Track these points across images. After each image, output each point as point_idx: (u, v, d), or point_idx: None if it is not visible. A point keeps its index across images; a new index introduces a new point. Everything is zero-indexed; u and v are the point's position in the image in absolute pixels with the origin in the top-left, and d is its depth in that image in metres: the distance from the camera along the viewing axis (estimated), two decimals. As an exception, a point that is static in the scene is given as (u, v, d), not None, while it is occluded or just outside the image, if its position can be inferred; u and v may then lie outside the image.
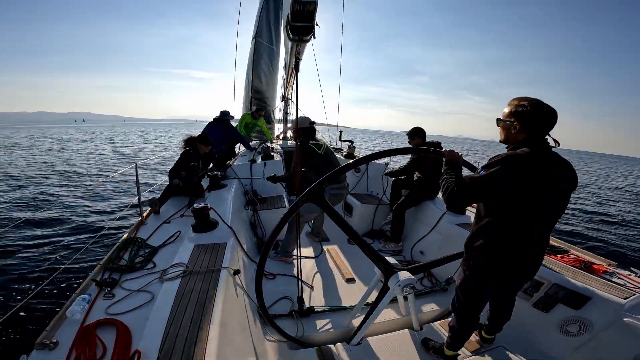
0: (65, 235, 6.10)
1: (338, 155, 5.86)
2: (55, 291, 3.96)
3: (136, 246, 2.45)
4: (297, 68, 2.32)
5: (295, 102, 2.56)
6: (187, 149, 4.01)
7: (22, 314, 3.51)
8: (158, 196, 3.70)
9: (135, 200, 3.20)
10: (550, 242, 2.81)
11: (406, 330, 2.39)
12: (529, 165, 1.49)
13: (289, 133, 7.61)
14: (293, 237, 3.39)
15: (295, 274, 3.24)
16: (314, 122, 3.62)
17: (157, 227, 2.87)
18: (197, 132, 4.35)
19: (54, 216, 6.91)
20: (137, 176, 3.14)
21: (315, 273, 3.36)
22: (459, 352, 2.12)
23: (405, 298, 2.24)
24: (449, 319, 2.11)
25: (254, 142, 7.18)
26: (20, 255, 5.16)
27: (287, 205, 4.14)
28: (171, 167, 3.90)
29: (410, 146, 3.72)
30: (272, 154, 5.49)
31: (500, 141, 1.72)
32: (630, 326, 1.91)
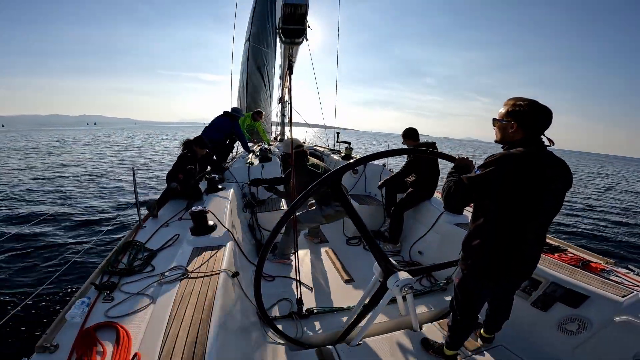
0: (63, 239, 6.08)
1: (335, 157, 5.88)
2: (53, 295, 3.94)
3: (135, 249, 2.45)
4: (290, 70, 2.33)
5: (289, 104, 2.57)
6: (185, 151, 4.02)
7: (21, 317, 3.49)
8: (156, 200, 3.71)
9: (133, 203, 3.20)
10: (548, 240, 2.82)
11: (406, 331, 2.39)
12: (524, 165, 1.51)
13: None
14: (290, 239, 3.39)
15: (294, 276, 3.24)
16: (301, 145, 3.50)
17: (156, 230, 2.87)
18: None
19: (51, 220, 6.89)
20: (134, 180, 3.14)
21: (314, 274, 3.36)
22: (459, 351, 2.12)
23: (404, 298, 2.25)
24: (448, 319, 2.12)
25: (249, 144, 7.20)
26: (18, 259, 5.14)
27: (285, 207, 4.14)
28: (168, 170, 3.90)
29: (406, 147, 3.73)
30: (270, 156, 5.50)
31: (496, 141, 1.73)
32: (629, 324, 1.91)
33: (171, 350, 1.41)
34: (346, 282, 3.22)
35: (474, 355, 2.18)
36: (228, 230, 2.80)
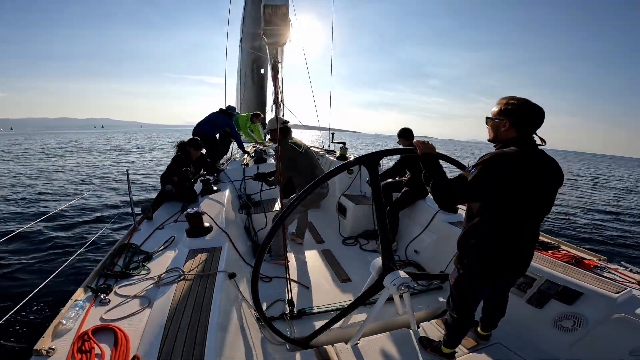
0: (57, 243, 6.03)
1: (331, 157, 5.89)
2: (48, 298, 3.92)
3: (130, 252, 2.44)
4: (275, 70, 2.33)
5: (276, 104, 2.56)
6: (179, 153, 4.00)
7: (16, 320, 3.47)
8: (151, 202, 3.69)
9: (127, 206, 3.18)
10: (541, 237, 2.85)
11: (404, 329, 2.40)
12: (517, 164, 1.52)
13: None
14: (280, 238, 3.42)
15: (290, 276, 3.24)
16: (286, 122, 3.59)
17: (151, 233, 2.86)
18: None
19: (45, 223, 6.83)
20: (129, 183, 3.13)
21: (311, 275, 3.36)
22: (456, 349, 2.13)
23: (401, 297, 2.26)
24: (445, 317, 2.13)
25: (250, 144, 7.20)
26: (11, 263, 5.09)
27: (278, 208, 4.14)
28: (162, 172, 3.88)
29: (400, 147, 3.76)
30: (265, 157, 5.50)
31: (489, 140, 1.75)
32: (623, 321, 1.93)
33: (170, 352, 1.40)
34: (343, 281, 3.22)
35: (471, 353, 2.20)
36: (224, 231, 2.79)
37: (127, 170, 3.20)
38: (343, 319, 2.49)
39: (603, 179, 27.72)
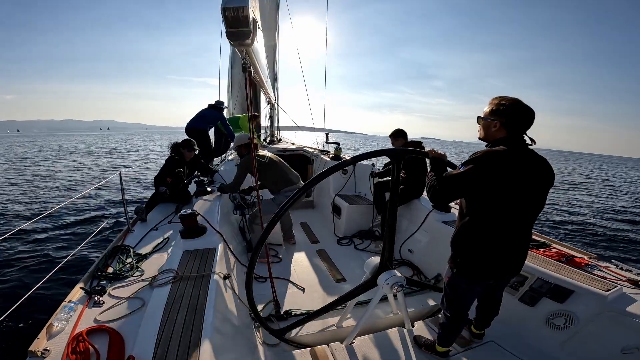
0: (50, 245, 5.98)
1: (325, 157, 5.89)
2: (42, 300, 3.90)
3: (124, 254, 2.42)
4: (244, 71, 2.34)
5: (248, 107, 2.56)
6: (172, 154, 3.98)
7: (10, 323, 3.46)
8: (145, 204, 3.67)
9: (121, 208, 3.16)
10: (532, 236, 2.88)
11: (398, 329, 2.41)
12: (506, 162, 1.54)
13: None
14: (257, 236, 3.52)
15: (285, 277, 3.24)
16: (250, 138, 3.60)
17: (145, 234, 2.84)
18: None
19: (38, 225, 6.78)
20: (121, 184, 3.11)
21: (306, 275, 3.37)
22: (450, 348, 2.15)
23: (395, 296, 2.27)
24: (439, 316, 2.14)
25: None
26: (3, 265, 5.05)
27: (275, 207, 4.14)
28: (156, 174, 3.86)
29: (394, 147, 3.78)
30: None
31: (480, 138, 1.77)
32: (614, 318, 1.96)
33: (165, 353, 1.40)
34: (338, 281, 3.23)
35: (465, 351, 2.21)
36: (218, 232, 2.78)
37: (120, 172, 3.18)
38: (338, 319, 2.50)
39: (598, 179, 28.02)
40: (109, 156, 26.00)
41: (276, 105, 9.35)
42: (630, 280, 2.21)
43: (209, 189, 4.02)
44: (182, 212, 2.68)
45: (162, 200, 3.72)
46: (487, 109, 1.69)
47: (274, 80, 9.05)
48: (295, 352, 2.14)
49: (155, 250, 2.57)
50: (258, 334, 2.27)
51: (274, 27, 8.64)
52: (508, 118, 1.60)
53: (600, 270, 2.36)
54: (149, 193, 4.09)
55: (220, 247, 2.58)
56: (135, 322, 1.65)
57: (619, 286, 2.10)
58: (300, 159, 6.75)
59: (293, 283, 3.15)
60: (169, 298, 1.83)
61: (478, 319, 2.25)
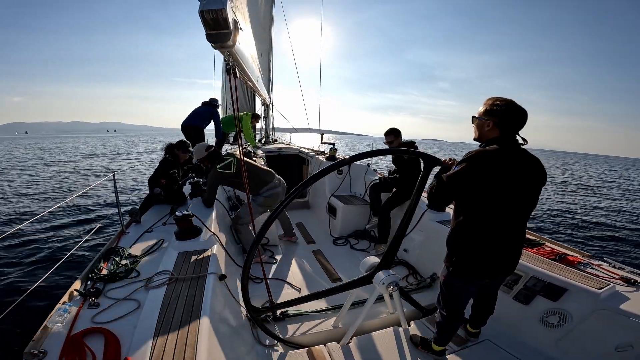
0: (44, 247, 5.94)
1: (320, 157, 5.89)
2: (36, 303, 3.89)
3: (118, 256, 2.41)
4: (228, 73, 2.34)
5: (233, 108, 2.56)
6: (167, 156, 3.96)
7: (5, 325, 3.43)
8: (139, 206, 3.65)
9: (115, 210, 3.14)
10: (526, 235, 2.90)
11: (395, 328, 2.42)
12: (498, 161, 1.57)
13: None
14: (244, 237, 3.49)
15: (281, 277, 3.24)
16: (210, 147, 3.55)
17: (139, 236, 2.82)
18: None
19: (31, 228, 6.72)
20: (115, 186, 3.08)
21: (303, 275, 3.37)
22: (447, 346, 2.16)
23: (391, 296, 2.28)
24: (435, 315, 2.16)
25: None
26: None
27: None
28: (150, 175, 3.84)
29: (388, 147, 3.79)
30: (255, 159, 5.49)
31: (474, 139, 1.80)
32: (608, 316, 1.97)
33: (161, 354, 1.40)
34: (334, 281, 3.24)
35: (461, 350, 2.22)
36: (213, 233, 2.78)
37: (114, 174, 3.16)
38: (335, 319, 2.51)
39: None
40: (109, 158, 25.86)
41: (271, 106, 9.34)
42: (623, 279, 2.22)
43: (204, 190, 4.01)
44: (177, 213, 2.67)
45: (156, 201, 3.70)
46: (481, 109, 1.72)
47: (268, 81, 9.04)
48: (292, 352, 2.13)
49: (150, 251, 2.56)
50: (255, 335, 2.27)
51: (268, 28, 8.64)
52: (501, 118, 1.62)
53: (593, 269, 2.38)
54: (144, 194, 4.06)
55: (216, 248, 2.57)
56: (131, 324, 1.64)
57: (612, 284, 2.11)
58: (295, 159, 6.75)
59: (289, 283, 3.14)
60: (164, 299, 1.82)
61: (473, 317, 2.26)
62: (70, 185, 12.92)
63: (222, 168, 3.40)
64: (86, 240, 3.12)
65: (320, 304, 2.78)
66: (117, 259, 2.35)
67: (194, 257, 2.38)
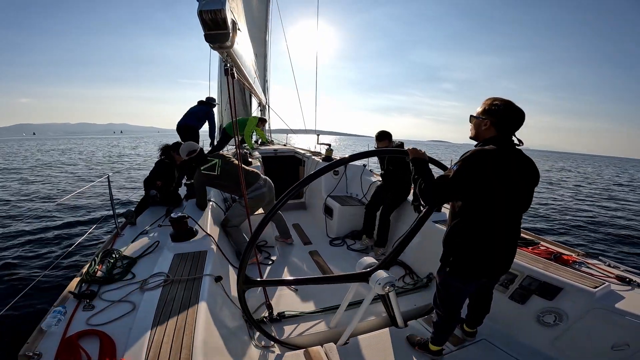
0: (38, 249, 5.88)
1: (316, 158, 5.89)
2: (31, 305, 3.85)
3: (113, 258, 2.39)
4: (226, 74, 2.34)
5: (231, 108, 2.55)
6: (162, 157, 3.94)
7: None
8: (134, 207, 3.63)
9: (110, 211, 3.11)
10: (521, 234, 2.91)
11: (391, 328, 2.42)
12: (496, 161, 1.58)
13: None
14: (237, 239, 3.48)
15: (280, 279, 3.22)
16: (194, 151, 3.49)
17: (135, 238, 2.81)
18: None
19: (26, 229, 6.68)
20: (109, 188, 3.07)
21: (299, 276, 3.36)
22: (443, 346, 2.16)
23: (388, 296, 2.28)
24: (432, 315, 2.16)
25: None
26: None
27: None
28: (146, 177, 3.82)
29: (376, 148, 3.77)
30: (250, 160, 5.48)
31: (470, 137, 1.81)
32: (603, 315, 1.97)
33: (157, 356, 1.39)
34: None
35: (457, 350, 2.23)
36: (209, 235, 2.77)
37: (108, 176, 3.14)
38: (331, 320, 2.50)
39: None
40: (109, 159, 25.79)
41: (267, 106, 9.33)
42: (618, 277, 2.23)
43: None
44: (173, 215, 2.65)
45: (152, 203, 3.68)
46: (479, 108, 1.73)
47: (264, 81, 9.04)
48: (289, 353, 2.13)
49: (146, 253, 2.54)
50: (251, 336, 2.26)
51: (264, 29, 8.63)
52: (499, 118, 1.64)
53: (588, 268, 2.39)
54: (139, 196, 4.04)
55: (212, 250, 2.56)
56: (126, 326, 1.63)
57: (607, 283, 2.12)
58: (291, 160, 6.74)
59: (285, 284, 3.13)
60: (160, 301, 1.81)
61: (470, 317, 2.27)
62: (65, 186, 12.84)
63: (206, 170, 3.39)
64: (81, 243, 3.09)
65: (316, 305, 2.78)
66: (112, 260, 2.33)
67: (189, 259, 2.37)
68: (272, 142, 8.83)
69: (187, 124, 5.83)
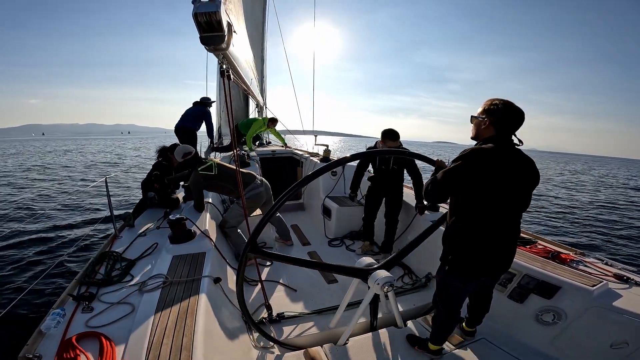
0: (36, 251, 5.84)
1: (314, 159, 5.89)
2: (30, 307, 3.83)
3: (112, 260, 2.39)
4: (222, 76, 2.34)
5: (227, 110, 2.54)
6: (160, 159, 3.93)
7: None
8: (132, 210, 3.62)
9: (108, 214, 3.10)
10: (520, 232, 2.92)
11: (391, 328, 2.42)
12: (494, 159, 1.59)
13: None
14: (235, 241, 3.48)
15: (278, 280, 3.23)
16: (189, 154, 3.52)
17: (133, 240, 2.80)
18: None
19: (23, 231, 6.64)
20: (107, 190, 3.06)
21: (298, 277, 3.36)
22: (443, 345, 2.16)
23: (387, 296, 2.28)
24: (431, 314, 2.16)
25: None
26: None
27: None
28: (143, 179, 3.81)
29: (382, 148, 3.73)
30: (248, 161, 5.47)
31: (471, 137, 1.83)
32: (601, 314, 1.98)
33: (156, 357, 1.39)
34: (330, 282, 3.23)
35: (457, 349, 2.23)
36: (208, 236, 2.76)
37: (106, 178, 3.13)
38: (331, 320, 2.50)
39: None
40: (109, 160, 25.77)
41: (265, 107, 9.33)
42: (616, 276, 2.24)
43: None
44: (171, 217, 2.65)
45: (150, 205, 3.67)
46: (480, 108, 1.75)
47: (261, 82, 9.03)
48: (289, 354, 2.13)
49: (144, 255, 2.54)
50: (251, 337, 2.26)
51: (261, 30, 8.63)
52: (498, 117, 1.65)
53: (586, 266, 2.39)
54: (137, 198, 4.04)
55: (210, 252, 2.56)
56: (125, 328, 1.63)
57: (605, 281, 2.13)
58: (289, 161, 6.74)
59: (285, 285, 3.14)
60: (159, 303, 1.81)
61: (469, 316, 2.27)
62: (64, 187, 12.78)
63: (204, 170, 3.41)
64: (79, 245, 3.09)
65: (316, 306, 2.78)
66: (110, 263, 2.33)
67: (188, 261, 2.37)
68: (269, 144, 8.81)
69: (184, 127, 5.82)
